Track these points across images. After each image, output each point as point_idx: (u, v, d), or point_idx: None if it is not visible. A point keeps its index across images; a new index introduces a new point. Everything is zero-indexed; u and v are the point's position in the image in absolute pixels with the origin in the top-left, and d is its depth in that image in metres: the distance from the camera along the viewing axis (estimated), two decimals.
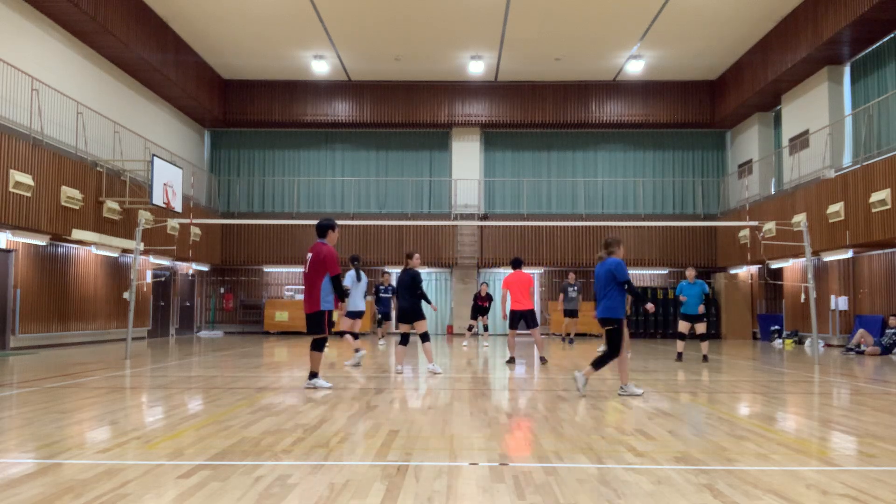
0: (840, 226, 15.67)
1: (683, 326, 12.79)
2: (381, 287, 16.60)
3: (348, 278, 11.64)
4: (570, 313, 17.50)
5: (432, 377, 9.72)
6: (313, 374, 8.34)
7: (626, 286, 7.66)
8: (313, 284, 8.14)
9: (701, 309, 12.58)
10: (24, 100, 14.06)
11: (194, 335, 22.11)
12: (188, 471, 4.21)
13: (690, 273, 12.80)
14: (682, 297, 12.77)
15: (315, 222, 22.47)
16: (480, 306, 17.62)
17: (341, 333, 11.88)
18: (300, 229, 22.70)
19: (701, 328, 12.73)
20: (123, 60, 18.02)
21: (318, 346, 8.27)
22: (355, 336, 11.78)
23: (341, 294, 8.18)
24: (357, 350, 11.28)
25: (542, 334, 13.21)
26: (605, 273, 7.78)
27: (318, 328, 8.20)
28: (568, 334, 18.53)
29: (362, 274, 11.86)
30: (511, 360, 11.95)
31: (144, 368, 10.85)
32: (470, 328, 17.84)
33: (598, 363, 7.87)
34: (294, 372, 10.43)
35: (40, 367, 10.90)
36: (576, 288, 17.39)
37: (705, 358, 12.70)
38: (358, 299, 11.83)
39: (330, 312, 8.25)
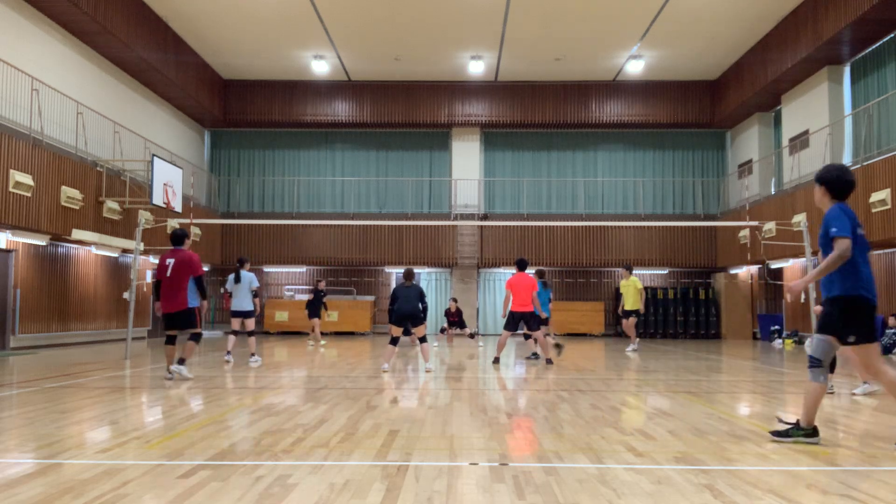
0: None
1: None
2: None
3: (229, 282, 12.03)
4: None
5: (428, 375, 9.93)
6: (182, 361, 9.11)
7: None
8: (179, 286, 9.05)
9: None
10: (24, 100, 14.06)
11: None
12: (188, 471, 4.21)
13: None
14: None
15: (315, 222, 22.24)
16: (451, 322, 17.84)
17: (236, 332, 11.95)
18: (300, 229, 22.71)
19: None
20: (123, 60, 18.02)
21: (196, 338, 9.25)
22: (235, 333, 11.98)
23: (204, 292, 9.29)
24: (228, 352, 11.81)
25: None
26: None
27: (192, 323, 9.18)
28: (547, 334, 18.48)
29: (242, 274, 11.90)
30: (496, 361, 11.92)
31: (144, 368, 10.85)
32: (443, 330, 17.99)
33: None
34: (294, 372, 10.43)
35: (40, 367, 10.90)
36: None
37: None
38: (237, 299, 11.88)
39: (199, 308, 9.53)
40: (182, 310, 9.04)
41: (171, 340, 9.25)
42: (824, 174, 5.18)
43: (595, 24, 19.05)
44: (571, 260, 22.78)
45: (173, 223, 17.55)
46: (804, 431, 5.19)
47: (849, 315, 4.92)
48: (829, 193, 5.15)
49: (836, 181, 5.11)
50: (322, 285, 16.77)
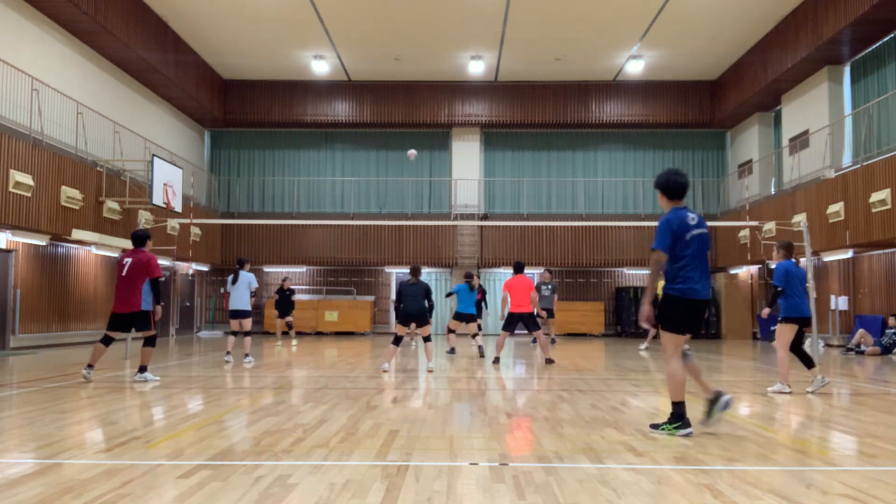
0: (840, 226, 15.67)
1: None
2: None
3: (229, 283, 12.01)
4: (546, 312, 17.28)
5: (429, 375, 9.89)
6: (143, 368, 8.99)
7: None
8: (134, 287, 8.88)
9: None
10: (24, 100, 14.05)
11: (194, 335, 22.10)
12: (188, 471, 4.21)
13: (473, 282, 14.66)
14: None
15: (315, 222, 22.18)
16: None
17: (234, 333, 11.93)
18: (300, 229, 22.71)
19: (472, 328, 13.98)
20: (123, 60, 18.02)
21: (150, 343, 9.05)
22: (234, 334, 11.98)
23: (158, 296, 8.94)
24: (228, 352, 11.81)
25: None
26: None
27: (146, 326, 9.02)
28: (547, 334, 18.42)
29: (241, 275, 11.86)
30: (496, 361, 11.96)
31: None
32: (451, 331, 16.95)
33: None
34: (294, 372, 10.43)
35: (40, 367, 10.90)
36: (550, 287, 16.86)
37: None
38: (234, 300, 11.85)
39: (153, 312, 9.05)
40: (135, 311, 8.88)
41: (107, 340, 8.93)
42: (658, 179, 5.74)
43: (595, 24, 19.05)
44: (571, 260, 22.78)
45: (173, 223, 17.59)
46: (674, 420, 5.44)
47: (670, 309, 5.58)
48: (665, 196, 5.71)
49: (667, 183, 5.64)
50: (288, 284, 16.67)
